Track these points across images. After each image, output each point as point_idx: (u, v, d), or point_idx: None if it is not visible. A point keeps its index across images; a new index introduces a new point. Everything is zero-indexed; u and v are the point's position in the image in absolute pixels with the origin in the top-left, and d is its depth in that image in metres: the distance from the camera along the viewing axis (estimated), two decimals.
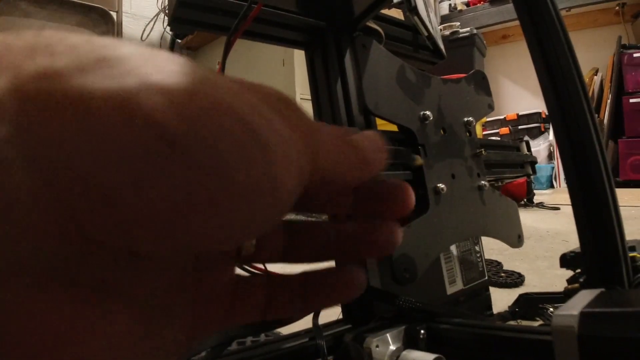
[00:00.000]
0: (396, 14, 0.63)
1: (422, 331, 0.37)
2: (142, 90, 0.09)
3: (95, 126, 0.09)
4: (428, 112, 0.49)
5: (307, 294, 0.18)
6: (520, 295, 0.79)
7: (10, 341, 0.09)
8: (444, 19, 3.78)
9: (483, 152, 0.54)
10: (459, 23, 3.47)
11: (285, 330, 0.42)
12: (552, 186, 3.25)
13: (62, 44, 0.10)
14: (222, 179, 0.10)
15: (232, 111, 0.10)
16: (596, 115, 3.06)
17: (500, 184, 0.78)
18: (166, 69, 0.10)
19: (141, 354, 0.12)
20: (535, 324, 0.73)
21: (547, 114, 0.41)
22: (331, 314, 0.52)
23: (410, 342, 0.38)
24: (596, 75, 3.45)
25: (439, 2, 3.91)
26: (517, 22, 0.42)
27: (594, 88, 3.39)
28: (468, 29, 3.33)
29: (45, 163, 0.09)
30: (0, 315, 0.09)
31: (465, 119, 0.54)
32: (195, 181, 0.09)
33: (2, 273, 0.09)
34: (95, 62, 0.09)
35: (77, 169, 0.09)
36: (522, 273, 1.06)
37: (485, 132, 3.37)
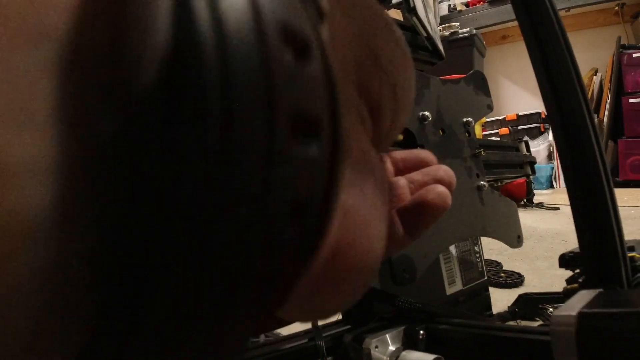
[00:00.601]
0: (395, 14, 0.63)
1: (421, 332, 0.37)
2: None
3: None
4: (427, 113, 0.49)
5: (406, 222, 0.19)
6: (520, 296, 0.79)
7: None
8: (444, 20, 3.78)
9: (482, 152, 0.54)
10: (458, 23, 3.47)
11: (285, 330, 0.42)
12: (551, 186, 3.25)
13: None
14: (400, 70, 0.15)
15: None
16: (595, 115, 3.06)
17: (499, 184, 0.78)
18: None
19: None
20: (535, 324, 0.73)
21: (546, 114, 0.41)
22: None
23: (409, 342, 0.38)
24: (595, 75, 3.45)
25: (439, 3, 3.91)
26: (516, 23, 0.42)
27: (593, 88, 3.39)
28: (467, 29, 3.33)
29: (353, 43, 0.13)
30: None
31: (464, 120, 0.54)
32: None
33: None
34: None
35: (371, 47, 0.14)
36: (522, 273, 1.06)
37: (484, 133, 3.37)
